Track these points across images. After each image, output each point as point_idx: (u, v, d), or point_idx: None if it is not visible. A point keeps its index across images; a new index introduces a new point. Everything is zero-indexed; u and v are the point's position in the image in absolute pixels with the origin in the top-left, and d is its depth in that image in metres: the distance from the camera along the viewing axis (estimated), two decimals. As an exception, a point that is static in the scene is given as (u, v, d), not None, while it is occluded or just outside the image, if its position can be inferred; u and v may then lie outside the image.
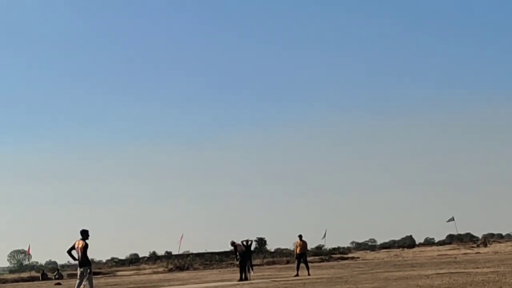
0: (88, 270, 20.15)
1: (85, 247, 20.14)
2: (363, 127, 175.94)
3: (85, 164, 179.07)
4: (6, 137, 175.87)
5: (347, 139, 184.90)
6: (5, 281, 58.36)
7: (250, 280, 30.60)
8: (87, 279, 19.91)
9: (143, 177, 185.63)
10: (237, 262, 32.29)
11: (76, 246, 20.19)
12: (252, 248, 35.21)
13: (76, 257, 20.18)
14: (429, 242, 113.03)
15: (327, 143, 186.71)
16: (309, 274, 32.20)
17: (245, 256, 31.76)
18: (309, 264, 35.23)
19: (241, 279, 30.82)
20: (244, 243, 32.56)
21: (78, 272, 20.15)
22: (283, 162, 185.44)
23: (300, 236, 34.37)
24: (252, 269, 33.27)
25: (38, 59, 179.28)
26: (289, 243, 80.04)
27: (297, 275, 32.27)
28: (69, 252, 20.32)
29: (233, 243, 32.05)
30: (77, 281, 20.11)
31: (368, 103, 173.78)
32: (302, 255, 33.82)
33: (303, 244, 34.22)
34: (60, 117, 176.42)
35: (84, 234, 20.33)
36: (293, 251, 38.44)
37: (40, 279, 60.01)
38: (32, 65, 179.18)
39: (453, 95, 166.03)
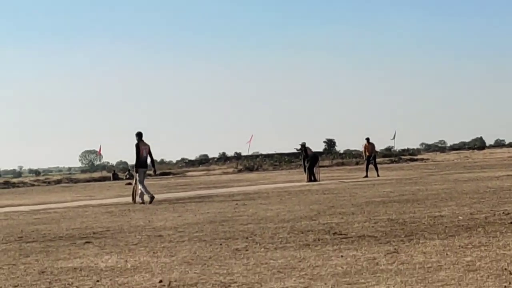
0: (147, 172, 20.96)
1: (149, 148, 20.70)
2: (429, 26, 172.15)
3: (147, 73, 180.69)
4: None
5: (418, 40, 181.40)
6: (76, 180, 59.60)
7: (319, 181, 30.86)
8: (142, 182, 20.30)
9: (215, 81, 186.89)
10: (301, 163, 32.37)
11: (143, 146, 20.52)
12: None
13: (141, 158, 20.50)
14: (499, 144, 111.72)
15: (398, 45, 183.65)
16: (378, 176, 32.42)
17: (314, 159, 32.00)
18: (378, 166, 35.45)
19: (310, 180, 31.01)
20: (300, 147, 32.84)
21: (139, 171, 20.43)
22: (354, 62, 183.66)
23: (368, 139, 34.49)
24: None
25: None
26: (359, 145, 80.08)
27: (366, 176, 32.54)
28: (139, 156, 20.55)
29: (304, 145, 32.30)
30: (137, 182, 20.38)
31: None
32: (372, 157, 34.07)
33: (371, 146, 34.45)
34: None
35: (142, 135, 20.69)
36: (362, 152, 38.60)
37: (111, 179, 59.84)
38: None
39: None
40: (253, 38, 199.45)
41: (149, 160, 20.98)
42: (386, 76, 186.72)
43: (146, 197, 19.79)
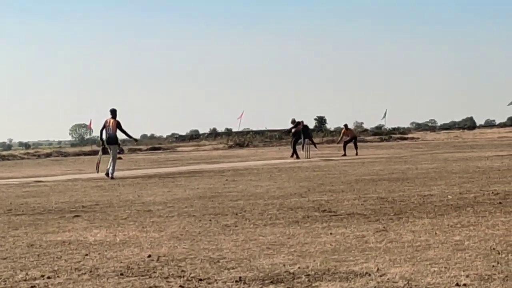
0: (117, 149, 20.93)
1: (118, 125, 20.67)
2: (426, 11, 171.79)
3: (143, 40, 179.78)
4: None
5: (410, 17, 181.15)
6: (66, 154, 59.29)
7: (309, 158, 30.75)
8: (112, 158, 20.48)
9: (205, 56, 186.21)
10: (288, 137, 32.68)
11: (107, 124, 20.66)
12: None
13: (105, 135, 20.70)
14: (489, 124, 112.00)
15: (387, 23, 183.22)
16: (357, 154, 32.19)
17: (299, 135, 32.03)
18: (369, 144, 35.59)
19: (292, 156, 31.17)
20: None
21: (103, 147, 20.85)
22: (345, 40, 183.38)
23: (346, 125, 35.16)
24: (316, 147, 33.92)
25: None
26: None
27: (344, 155, 32.27)
28: (101, 131, 20.80)
29: (294, 121, 32.39)
30: (100, 154, 20.84)
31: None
32: (354, 138, 34.64)
33: (350, 132, 35.25)
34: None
35: (114, 112, 20.79)
36: (339, 137, 38.40)
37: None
38: None
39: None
40: (244, 14, 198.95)
41: (122, 135, 21.28)
42: (377, 54, 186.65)
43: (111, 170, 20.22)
